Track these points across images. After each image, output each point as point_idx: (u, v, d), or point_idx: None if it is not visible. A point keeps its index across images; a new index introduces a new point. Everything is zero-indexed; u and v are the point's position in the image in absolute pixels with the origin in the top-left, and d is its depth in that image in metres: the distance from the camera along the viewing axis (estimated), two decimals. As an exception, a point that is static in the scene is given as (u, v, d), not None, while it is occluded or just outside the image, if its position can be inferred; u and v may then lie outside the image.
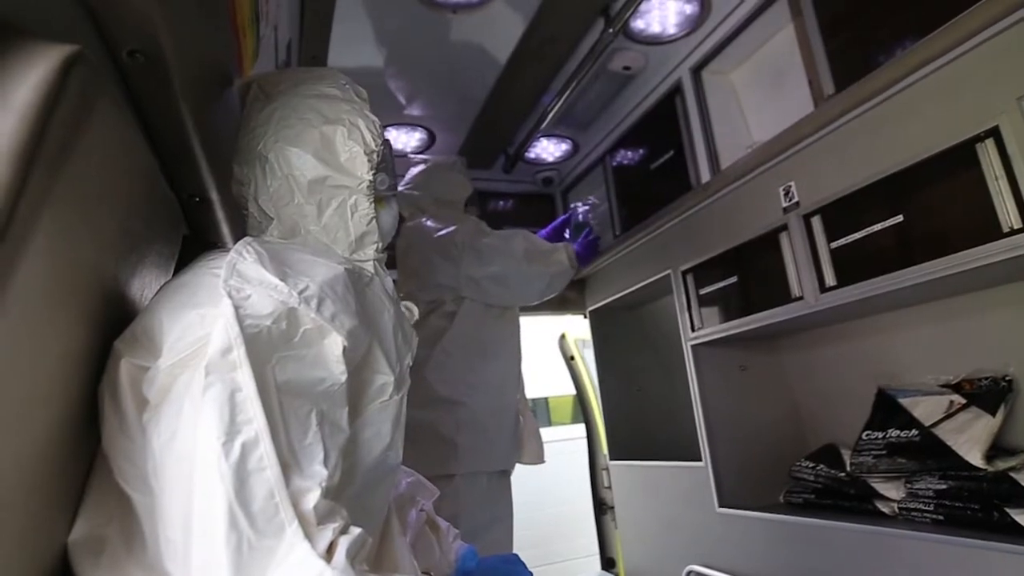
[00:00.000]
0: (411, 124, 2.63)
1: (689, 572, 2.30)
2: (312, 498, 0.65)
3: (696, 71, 2.28)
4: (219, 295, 0.71)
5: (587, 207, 2.33)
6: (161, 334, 0.68)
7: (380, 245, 0.98)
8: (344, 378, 0.77)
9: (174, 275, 1.03)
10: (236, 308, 0.69)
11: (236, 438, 0.62)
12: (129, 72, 0.70)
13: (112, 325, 0.72)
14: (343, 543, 0.64)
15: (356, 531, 0.66)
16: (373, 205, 0.95)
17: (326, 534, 0.63)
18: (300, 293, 0.76)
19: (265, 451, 0.63)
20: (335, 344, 0.76)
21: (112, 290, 0.73)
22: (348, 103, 0.96)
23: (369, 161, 0.93)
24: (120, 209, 0.73)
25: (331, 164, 0.91)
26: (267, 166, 0.91)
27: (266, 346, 0.69)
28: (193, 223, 1.11)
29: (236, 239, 1.26)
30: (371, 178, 0.94)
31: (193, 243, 1.15)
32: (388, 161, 1.01)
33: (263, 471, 0.62)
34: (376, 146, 0.94)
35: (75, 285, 0.62)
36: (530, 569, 1.17)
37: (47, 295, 0.56)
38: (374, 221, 0.95)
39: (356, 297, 0.85)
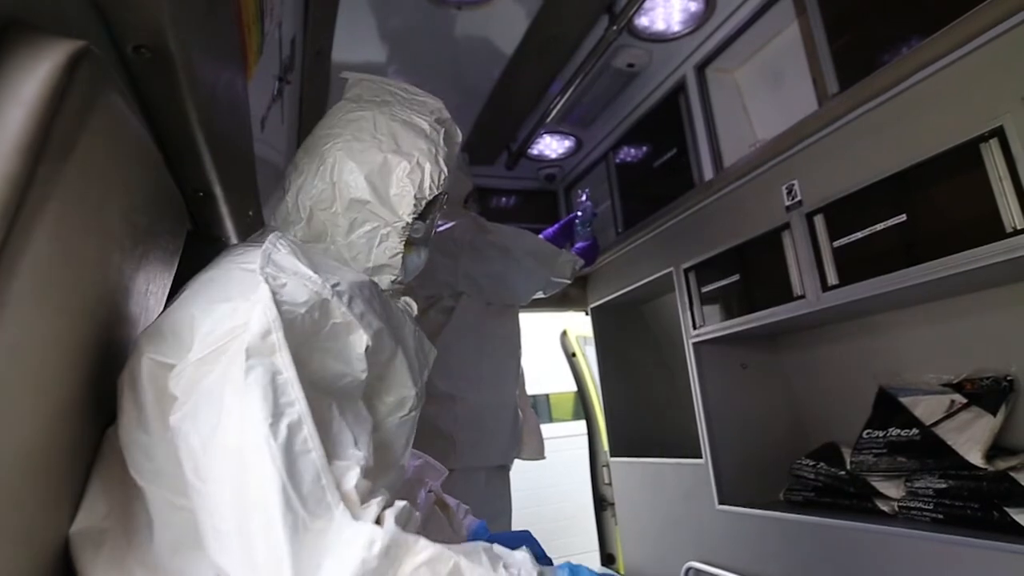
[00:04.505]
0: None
1: (688, 569, 2.31)
2: (352, 477, 0.66)
3: (700, 69, 2.28)
4: (250, 287, 0.71)
5: (590, 203, 2.33)
6: (191, 329, 0.68)
7: (399, 279, 0.98)
8: (364, 376, 0.78)
9: (178, 269, 1.04)
10: (273, 293, 0.70)
11: (281, 420, 0.63)
12: (135, 67, 0.70)
13: (116, 317, 0.73)
14: (390, 513, 0.65)
15: (401, 503, 0.68)
16: (403, 244, 0.95)
17: (371, 510, 0.64)
18: (333, 287, 0.77)
19: (309, 433, 0.64)
20: (360, 341, 0.78)
21: (116, 283, 0.74)
22: (428, 142, 0.95)
23: (415, 205, 0.93)
24: (125, 203, 0.73)
25: (378, 192, 0.91)
26: (322, 167, 0.92)
27: (299, 333, 0.70)
28: (197, 218, 1.12)
29: (239, 234, 1.27)
30: (409, 221, 0.93)
31: (196, 238, 1.15)
32: (434, 216, 1.02)
33: (308, 453, 0.63)
34: (428, 195, 0.94)
35: (80, 277, 0.63)
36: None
37: (52, 286, 0.56)
38: (399, 257, 0.95)
39: (381, 305, 0.86)
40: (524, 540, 1.14)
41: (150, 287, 0.86)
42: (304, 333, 0.71)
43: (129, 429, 0.68)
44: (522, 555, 0.72)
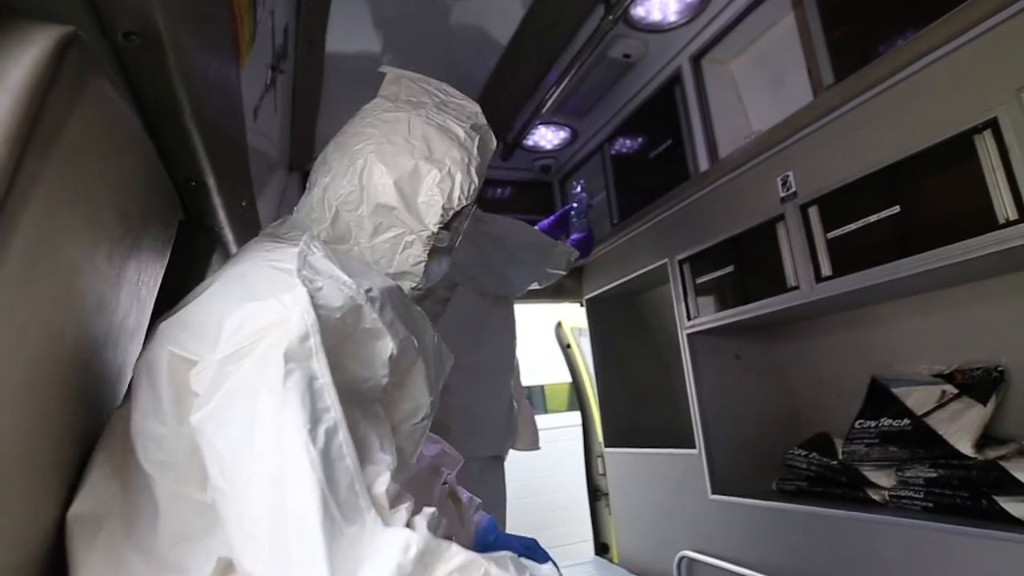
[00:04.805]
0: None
1: (681, 558, 2.33)
2: (383, 482, 0.66)
3: (696, 59, 2.27)
4: (283, 287, 0.71)
5: (585, 194, 2.32)
6: (217, 326, 0.67)
7: (419, 287, 0.98)
8: (385, 381, 0.78)
9: (171, 259, 1.03)
10: (311, 297, 0.69)
11: (319, 426, 0.63)
12: (125, 55, 0.69)
13: (107, 307, 0.72)
14: (421, 520, 0.66)
15: (430, 510, 0.69)
16: (426, 253, 0.94)
17: (401, 515, 0.65)
18: (367, 292, 0.77)
19: (344, 439, 0.64)
20: (386, 348, 0.78)
21: (106, 272, 0.73)
22: (462, 151, 0.94)
23: (442, 215, 0.92)
24: (115, 191, 0.72)
25: (406, 199, 0.90)
26: (352, 168, 0.91)
27: (332, 338, 0.70)
28: (189, 207, 1.11)
29: (233, 224, 1.27)
30: (435, 231, 0.92)
31: (189, 228, 1.15)
32: (460, 226, 1.00)
33: (343, 459, 0.63)
34: (457, 206, 0.93)
35: (69, 265, 0.62)
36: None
37: (41, 275, 0.56)
38: (421, 266, 0.94)
39: (407, 311, 0.86)
40: (531, 550, 1.14)
41: (142, 276, 0.85)
42: (336, 337, 0.71)
43: (143, 418, 0.68)
44: (549, 569, 0.74)
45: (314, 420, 0.63)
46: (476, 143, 0.96)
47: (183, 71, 0.74)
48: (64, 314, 0.63)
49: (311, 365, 0.65)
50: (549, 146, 3.06)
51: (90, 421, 0.72)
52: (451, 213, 0.93)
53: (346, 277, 0.77)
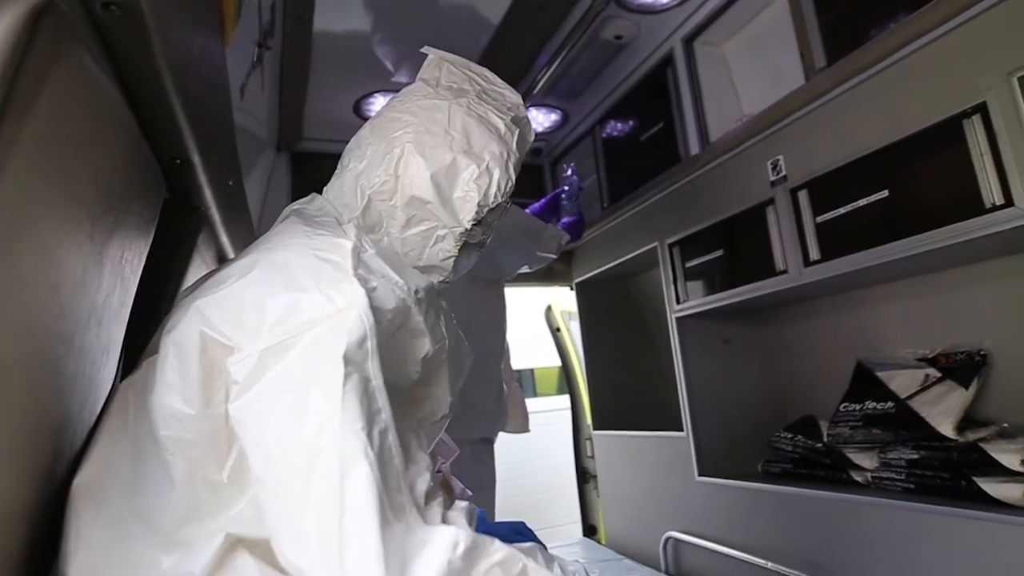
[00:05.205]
0: (398, 90, 2.57)
1: (668, 538, 2.36)
2: (424, 481, 0.68)
3: (688, 42, 2.25)
4: (328, 280, 0.70)
5: (576, 177, 2.30)
6: (258, 315, 0.67)
7: (446, 279, 0.97)
8: (417, 377, 0.79)
9: (156, 238, 1.01)
10: (369, 297, 0.69)
11: (374, 427, 0.64)
12: (105, 26, 0.67)
13: (90, 285, 0.71)
14: (459, 515, 0.68)
15: (463, 504, 0.71)
16: (457, 248, 0.93)
17: (434, 511, 0.67)
18: (415, 294, 0.77)
19: (392, 440, 0.66)
20: (422, 347, 0.79)
21: (88, 249, 0.72)
22: (502, 145, 0.92)
23: (477, 212, 0.91)
24: (96, 165, 0.71)
25: (442, 193, 0.89)
26: (388, 156, 0.89)
27: (381, 337, 0.70)
28: (174, 186, 1.09)
29: (219, 204, 1.25)
30: (468, 227, 0.91)
31: (174, 207, 1.13)
32: (494, 221, 0.99)
33: (393, 459, 0.65)
34: (492, 203, 0.92)
35: (48, 238, 0.61)
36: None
37: (18, 246, 0.54)
38: (451, 261, 0.94)
39: (440, 310, 0.87)
40: (522, 535, 1.15)
41: (125, 255, 0.84)
42: (384, 336, 0.71)
43: (166, 394, 0.67)
44: (576, 565, 0.75)
45: (369, 422, 0.64)
46: (515, 137, 0.95)
47: (166, 44, 0.72)
48: (44, 291, 0.61)
49: (366, 367, 0.66)
50: (540, 129, 3.03)
51: (73, 401, 0.71)
52: (486, 210, 0.92)
53: (398, 277, 0.77)
